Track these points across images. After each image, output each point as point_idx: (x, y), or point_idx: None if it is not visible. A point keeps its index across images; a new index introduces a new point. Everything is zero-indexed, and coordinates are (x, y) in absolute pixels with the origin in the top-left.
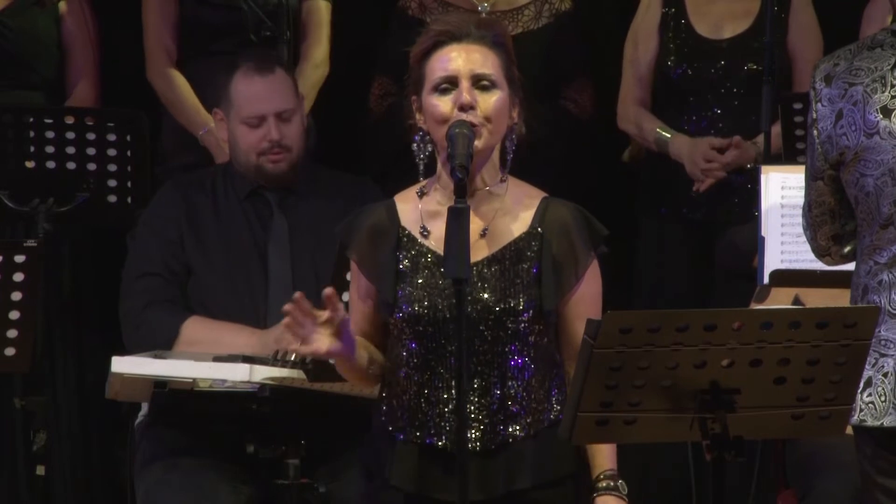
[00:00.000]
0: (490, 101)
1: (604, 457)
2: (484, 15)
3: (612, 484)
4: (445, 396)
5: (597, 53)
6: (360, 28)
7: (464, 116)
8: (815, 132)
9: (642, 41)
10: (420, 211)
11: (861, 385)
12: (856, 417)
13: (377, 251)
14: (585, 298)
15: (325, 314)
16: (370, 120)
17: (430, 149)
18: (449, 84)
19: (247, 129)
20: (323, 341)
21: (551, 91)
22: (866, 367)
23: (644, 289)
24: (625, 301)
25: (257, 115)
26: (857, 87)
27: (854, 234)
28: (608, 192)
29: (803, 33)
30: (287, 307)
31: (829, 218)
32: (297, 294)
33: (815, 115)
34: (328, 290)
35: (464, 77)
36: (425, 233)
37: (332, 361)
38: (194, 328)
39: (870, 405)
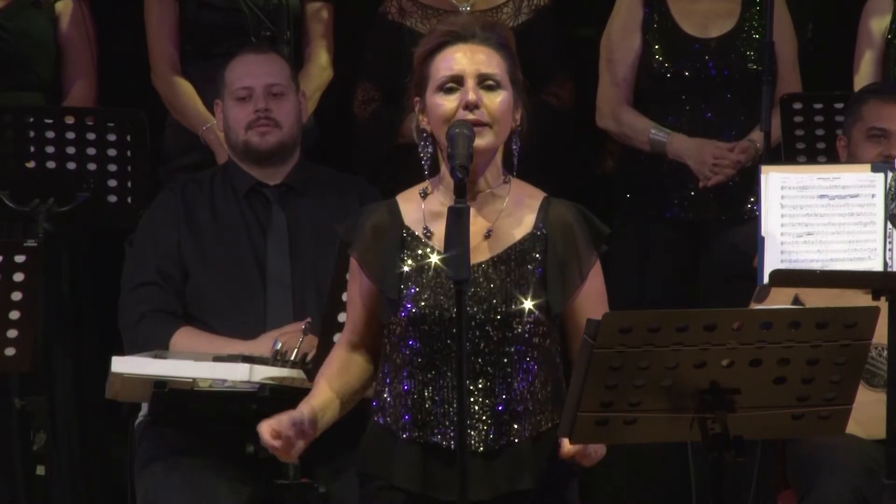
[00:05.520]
0: (495, 101)
1: None
2: (465, 15)
3: None
4: (449, 396)
5: (573, 47)
6: (356, 28)
7: (469, 115)
8: None
9: (622, 41)
10: (423, 211)
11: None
12: None
13: (380, 250)
14: (590, 298)
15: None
16: (355, 126)
17: (431, 150)
18: (454, 83)
19: (237, 105)
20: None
21: (532, 86)
22: None
23: (628, 290)
24: (629, 301)
25: (246, 87)
26: None
27: None
28: (588, 188)
29: (784, 33)
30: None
31: None
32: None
33: None
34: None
35: (469, 76)
36: (428, 233)
37: None
38: (182, 341)
39: None
